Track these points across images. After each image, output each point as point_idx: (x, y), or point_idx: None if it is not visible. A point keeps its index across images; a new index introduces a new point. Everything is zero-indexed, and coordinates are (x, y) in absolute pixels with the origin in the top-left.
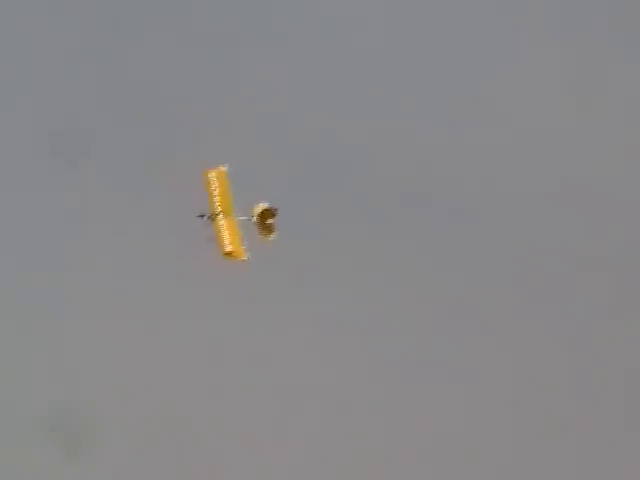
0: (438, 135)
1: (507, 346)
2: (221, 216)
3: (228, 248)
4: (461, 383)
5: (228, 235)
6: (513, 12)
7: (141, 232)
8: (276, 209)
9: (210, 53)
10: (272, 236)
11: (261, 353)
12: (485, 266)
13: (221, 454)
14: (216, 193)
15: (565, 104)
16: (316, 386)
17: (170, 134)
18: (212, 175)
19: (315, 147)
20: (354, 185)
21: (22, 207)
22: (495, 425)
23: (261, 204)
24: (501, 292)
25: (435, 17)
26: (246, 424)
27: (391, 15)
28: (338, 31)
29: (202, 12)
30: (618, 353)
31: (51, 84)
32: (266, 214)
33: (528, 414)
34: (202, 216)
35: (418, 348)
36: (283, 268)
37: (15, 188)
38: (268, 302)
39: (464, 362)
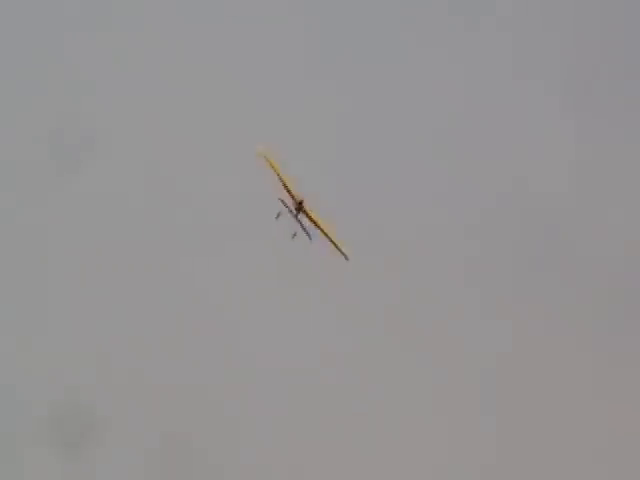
0: None
1: None
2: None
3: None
4: None
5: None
6: None
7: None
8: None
9: None
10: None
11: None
12: None
13: (221, 454)
14: (279, 175)
15: None
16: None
17: None
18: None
19: None
20: None
21: (23, 208)
22: None
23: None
24: None
25: None
26: (243, 427)
27: None
28: None
29: None
30: None
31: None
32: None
33: None
34: (287, 208)
35: None
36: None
37: (16, 189)
38: None
39: None
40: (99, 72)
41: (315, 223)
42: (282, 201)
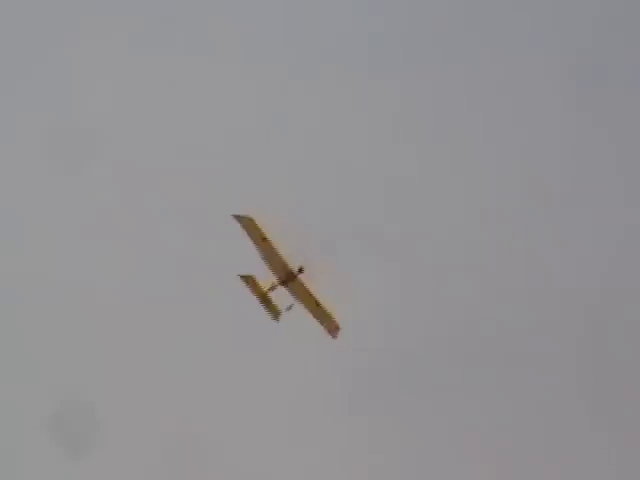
0: None
1: None
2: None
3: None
4: None
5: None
6: None
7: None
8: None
9: None
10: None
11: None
12: None
13: (223, 455)
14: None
15: None
16: None
17: None
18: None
19: None
20: None
21: (22, 208)
22: None
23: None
24: None
25: None
26: (247, 428)
27: None
28: None
29: None
30: None
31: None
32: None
33: None
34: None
35: None
36: None
37: (16, 189)
38: None
39: None
40: (98, 73)
41: (308, 296)
42: (245, 278)
